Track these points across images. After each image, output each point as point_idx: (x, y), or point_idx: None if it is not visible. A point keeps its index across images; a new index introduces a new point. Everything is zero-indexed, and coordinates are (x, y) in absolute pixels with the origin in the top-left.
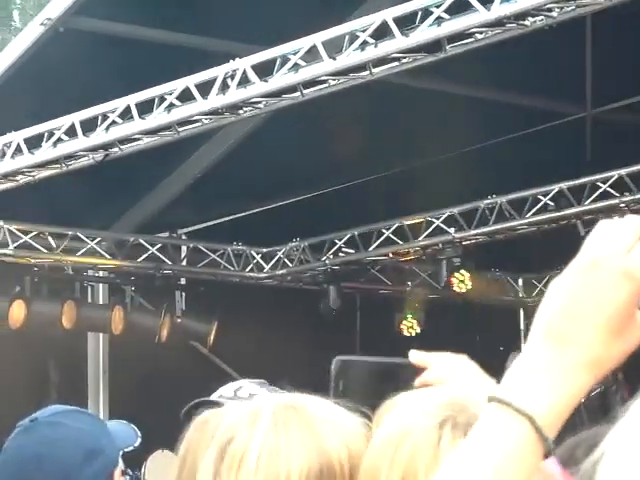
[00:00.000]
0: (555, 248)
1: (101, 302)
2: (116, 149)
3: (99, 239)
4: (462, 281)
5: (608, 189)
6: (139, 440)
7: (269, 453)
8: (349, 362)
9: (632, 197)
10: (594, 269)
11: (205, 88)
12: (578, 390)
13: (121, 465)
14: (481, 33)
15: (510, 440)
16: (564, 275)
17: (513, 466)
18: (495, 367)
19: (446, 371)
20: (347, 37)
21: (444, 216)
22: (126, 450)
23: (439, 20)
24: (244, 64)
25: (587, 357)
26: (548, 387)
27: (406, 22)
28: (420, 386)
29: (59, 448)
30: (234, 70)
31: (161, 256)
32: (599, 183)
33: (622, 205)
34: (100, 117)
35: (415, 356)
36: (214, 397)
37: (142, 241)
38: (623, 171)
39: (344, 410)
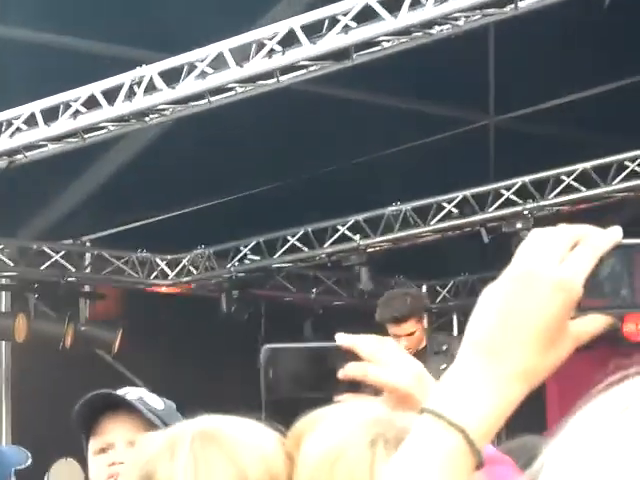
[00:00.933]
0: (459, 255)
1: (4, 310)
2: (21, 156)
3: (2, 246)
4: None
5: (511, 196)
6: (30, 461)
7: None
8: (278, 350)
9: (535, 204)
10: (528, 280)
11: (112, 95)
12: (511, 401)
13: None
14: (388, 41)
15: (442, 452)
16: (497, 285)
17: (446, 477)
18: None
19: (372, 352)
20: (254, 45)
21: (349, 223)
22: (18, 468)
23: (346, 28)
24: (151, 71)
25: (520, 368)
26: (481, 398)
27: (314, 30)
28: (350, 372)
29: None
30: (141, 77)
31: (65, 263)
32: (502, 190)
33: (525, 212)
34: (5, 123)
35: (342, 338)
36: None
37: (46, 248)
38: (527, 178)
39: (259, 426)
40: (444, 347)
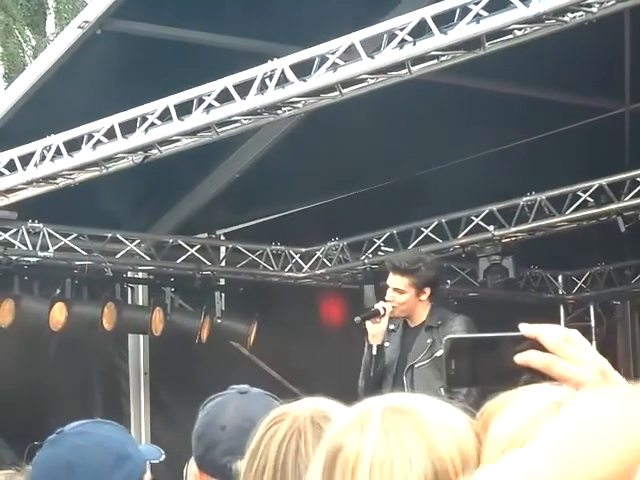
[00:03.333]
0: (595, 245)
1: (141, 303)
2: (155, 151)
3: (138, 241)
4: None
5: None
6: (163, 457)
7: (381, 462)
8: (459, 340)
9: None
10: None
11: (244, 89)
12: None
13: (149, 474)
14: (520, 30)
15: None
16: None
17: None
18: None
19: (557, 343)
20: (385, 36)
21: (483, 214)
22: (153, 462)
23: (478, 17)
24: (282, 64)
25: None
26: None
27: (444, 20)
28: (524, 358)
29: (89, 454)
30: (272, 70)
31: (200, 257)
32: (639, 178)
33: None
34: (139, 119)
35: (525, 328)
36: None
37: (181, 242)
38: None
39: (448, 405)
40: (439, 322)
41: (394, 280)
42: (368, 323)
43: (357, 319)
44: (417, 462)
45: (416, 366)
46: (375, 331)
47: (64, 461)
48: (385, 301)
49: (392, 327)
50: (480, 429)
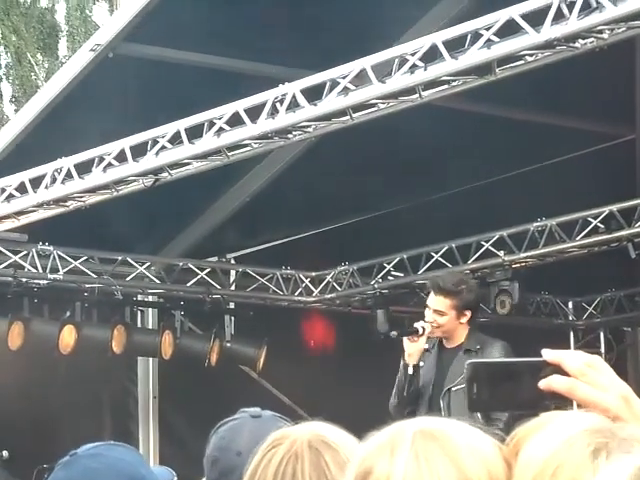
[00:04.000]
0: (606, 271)
1: (150, 327)
2: (166, 174)
3: (148, 264)
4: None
5: None
6: (175, 479)
7: None
8: (481, 364)
9: None
10: None
11: (254, 112)
12: None
13: None
14: (531, 55)
15: None
16: None
17: None
18: None
19: (580, 368)
20: (396, 60)
21: (494, 239)
22: None
23: (489, 43)
24: (293, 88)
25: None
26: None
27: (456, 45)
28: (548, 382)
29: (102, 477)
30: (283, 94)
31: (210, 280)
32: None
33: None
34: (150, 142)
35: (548, 354)
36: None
37: (191, 265)
38: None
39: (477, 430)
40: (477, 347)
41: (436, 301)
42: (405, 341)
43: (393, 333)
44: None
45: (453, 389)
46: (412, 350)
47: None
48: (425, 321)
49: (427, 346)
50: (510, 455)
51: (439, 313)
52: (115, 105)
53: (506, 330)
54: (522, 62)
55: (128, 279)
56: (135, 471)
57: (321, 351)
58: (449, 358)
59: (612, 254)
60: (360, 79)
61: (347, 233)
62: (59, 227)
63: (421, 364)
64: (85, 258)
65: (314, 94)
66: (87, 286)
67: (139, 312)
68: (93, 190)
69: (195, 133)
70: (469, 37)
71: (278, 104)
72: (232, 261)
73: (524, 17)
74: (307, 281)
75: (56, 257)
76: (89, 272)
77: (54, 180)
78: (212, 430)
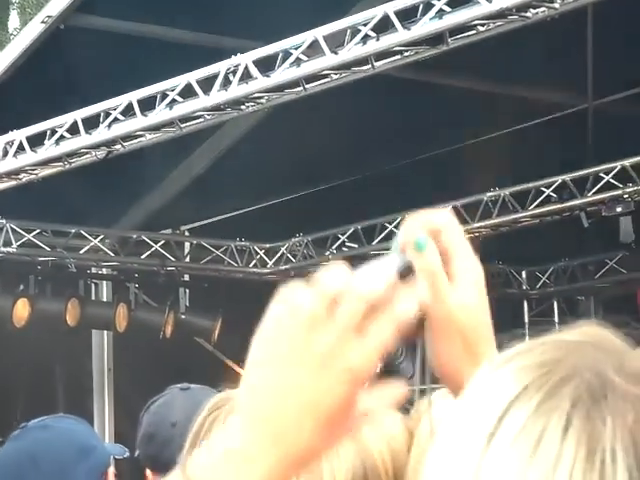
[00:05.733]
0: (559, 240)
1: (105, 299)
2: (118, 146)
3: (102, 236)
4: None
5: (611, 180)
6: (127, 454)
7: None
8: None
9: (635, 188)
10: (319, 365)
11: (207, 84)
12: None
13: (112, 468)
14: (483, 25)
15: None
16: (281, 359)
17: None
18: None
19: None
20: (349, 31)
21: (447, 209)
22: (117, 458)
23: (441, 12)
24: (246, 59)
25: (296, 453)
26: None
27: (408, 15)
28: None
29: (52, 446)
30: (236, 65)
31: (165, 253)
32: (602, 174)
33: (625, 196)
34: (102, 114)
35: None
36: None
37: (145, 238)
38: (627, 162)
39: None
40: None
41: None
42: None
43: None
44: (345, 459)
45: None
46: None
47: (27, 454)
48: None
49: None
50: (414, 424)
51: None
52: (67, 77)
53: None
54: (474, 32)
55: (82, 252)
56: (85, 441)
57: None
58: None
59: (565, 223)
60: (313, 50)
61: (301, 205)
62: (12, 200)
63: None
64: (38, 231)
65: (267, 65)
66: (40, 259)
67: (93, 285)
68: (45, 163)
69: (148, 105)
70: (421, 7)
71: (230, 75)
72: (186, 233)
73: None
74: (262, 253)
75: (9, 230)
76: (42, 245)
77: (6, 153)
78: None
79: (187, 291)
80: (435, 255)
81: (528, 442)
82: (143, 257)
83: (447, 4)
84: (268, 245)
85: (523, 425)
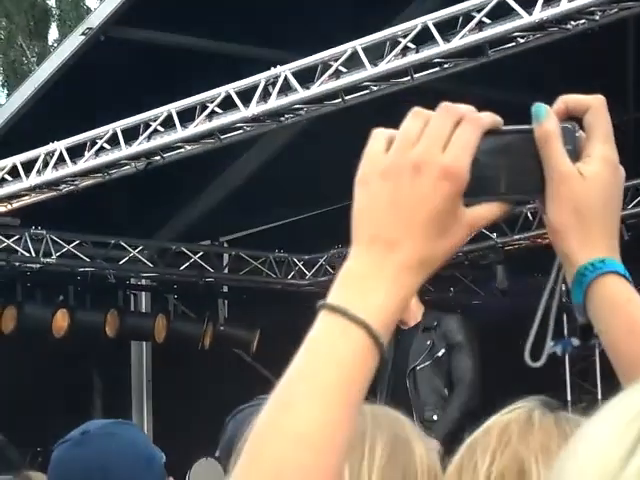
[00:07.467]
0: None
1: (144, 310)
2: (158, 157)
3: (141, 247)
4: None
5: None
6: (164, 459)
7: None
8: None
9: None
10: (411, 171)
11: (246, 95)
12: (407, 292)
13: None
14: (523, 37)
15: (347, 349)
16: (380, 177)
17: (351, 373)
18: None
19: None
20: (388, 43)
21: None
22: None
23: (480, 25)
24: (285, 71)
25: (413, 259)
26: (378, 292)
27: (447, 27)
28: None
29: (122, 459)
30: (275, 77)
31: (203, 264)
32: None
33: None
34: (142, 125)
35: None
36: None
37: (184, 249)
38: None
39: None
40: (434, 323)
41: None
42: None
43: None
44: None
45: (418, 368)
46: None
47: (97, 465)
48: None
49: None
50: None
51: None
52: (107, 89)
53: (498, 312)
54: (514, 44)
55: (121, 263)
56: (148, 450)
57: None
58: (408, 338)
59: None
60: (352, 62)
61: (340, 216)
62: (52, 211)
63: None
64: (78, 242)
65: (306, 77)
66: (80, 270)
67: (132, 296)
68: (85, 174)
69: (187, 116)
70: (461, 19)
71: (270, 87)
72: (225, 244)
73: None
74: (300, 264)
75: (49, 241)
76: (82, 256)
77: (46, 164)
78: (228, 417)
79: (226, 302)
80: (552, 123)
81: None
82: (182, 268)
83: (487, 16)
84: (307, 256)
85: None
